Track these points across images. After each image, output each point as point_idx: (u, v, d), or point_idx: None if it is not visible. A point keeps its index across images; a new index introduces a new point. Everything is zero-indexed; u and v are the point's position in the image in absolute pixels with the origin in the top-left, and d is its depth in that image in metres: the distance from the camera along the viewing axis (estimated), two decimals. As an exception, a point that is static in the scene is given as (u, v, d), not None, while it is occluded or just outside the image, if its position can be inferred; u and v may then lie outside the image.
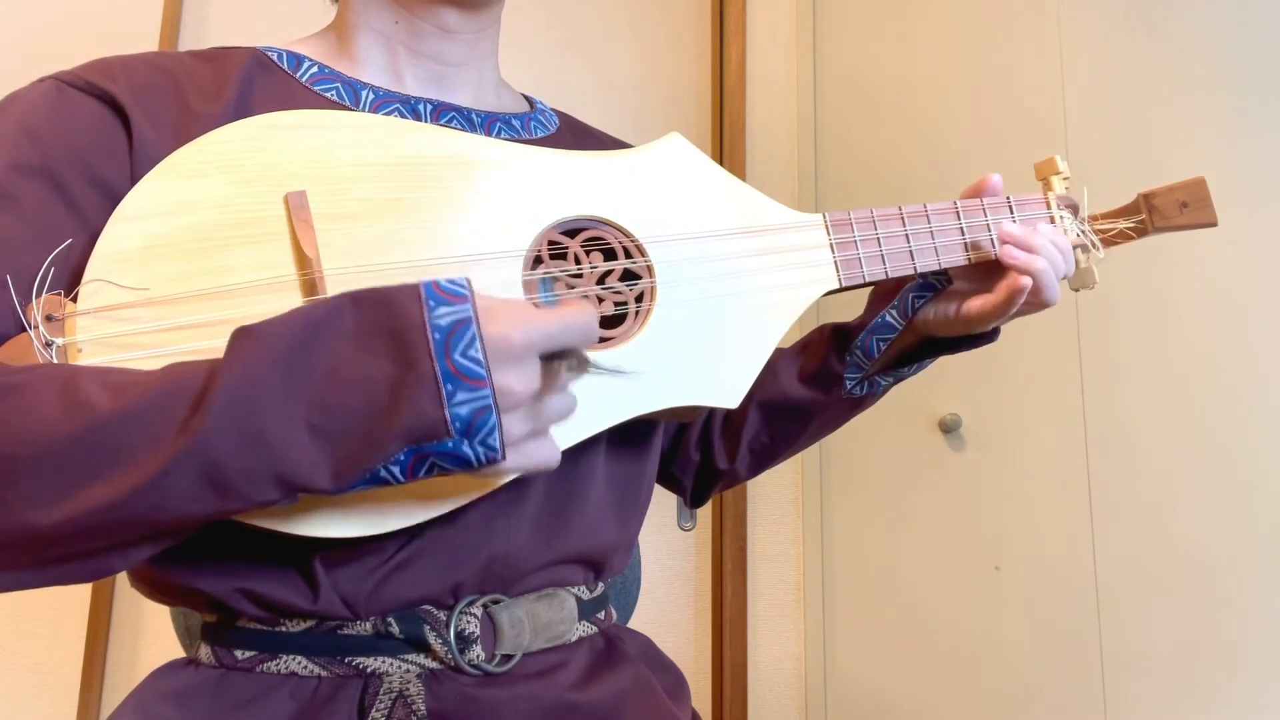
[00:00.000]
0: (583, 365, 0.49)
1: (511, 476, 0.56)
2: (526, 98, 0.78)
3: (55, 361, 0.48)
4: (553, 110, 0.78)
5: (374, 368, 0.45)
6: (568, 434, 0.57)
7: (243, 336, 0.45)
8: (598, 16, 1.99)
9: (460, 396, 0.45)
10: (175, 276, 0.51)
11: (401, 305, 0.46)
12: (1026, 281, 0.68)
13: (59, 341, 0.48)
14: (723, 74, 1.95)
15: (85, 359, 0.49)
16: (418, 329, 0.45)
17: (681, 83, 1.99)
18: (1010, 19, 1.86)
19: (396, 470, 0.46)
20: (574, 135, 0.77)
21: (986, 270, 0.72)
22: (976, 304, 0.70)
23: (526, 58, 1.93)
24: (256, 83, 0.63)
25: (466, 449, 0.46)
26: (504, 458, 0.47)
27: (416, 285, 0.47)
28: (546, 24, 1.96)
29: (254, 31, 1.88)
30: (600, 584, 0.69)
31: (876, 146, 1.92)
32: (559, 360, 0.49)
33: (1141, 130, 1.71)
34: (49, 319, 0.49)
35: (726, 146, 1.90)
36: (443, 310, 0.46)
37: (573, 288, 0.61)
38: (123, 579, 1.67)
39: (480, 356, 0.46)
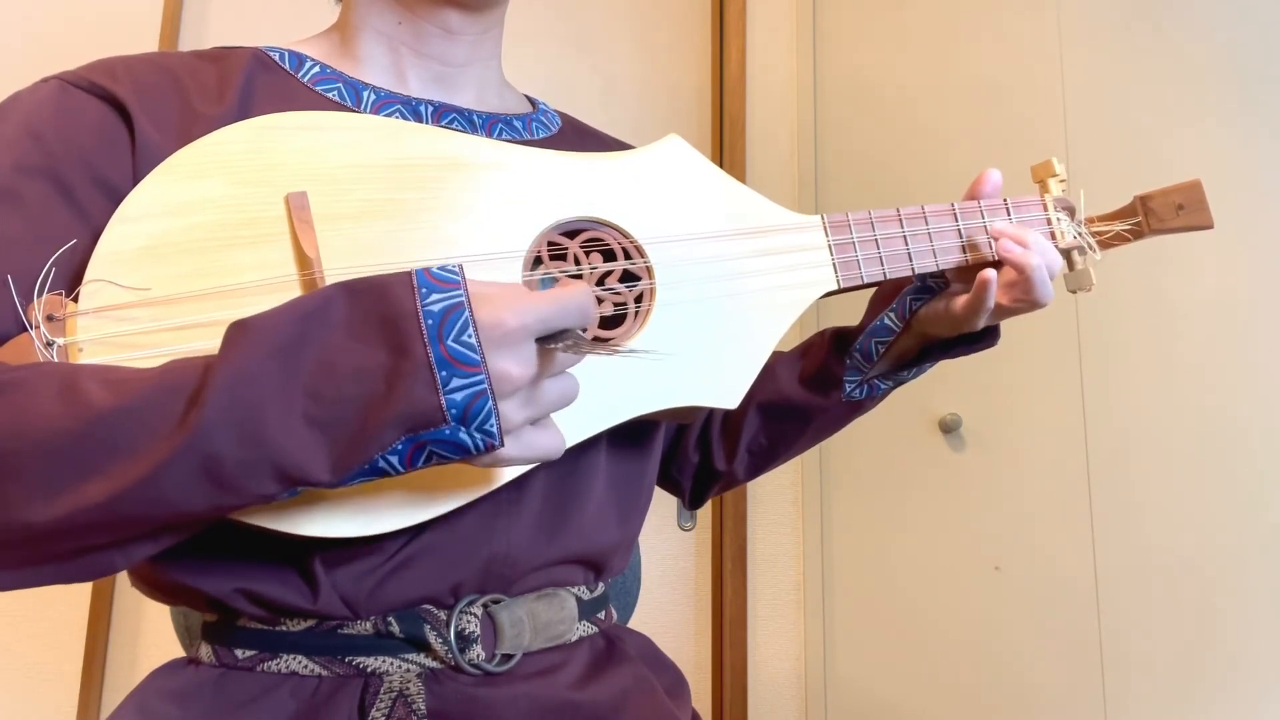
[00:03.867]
0: (580, 347, 0.49)
1: (516, 471, 0.56)
2: (529, 98, 0.78)
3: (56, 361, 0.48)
4: (555, 111, 0.78)
5: (368, 356, 0.45)
6: (568, 434, 0.57)
7: (238, 331, 0.45)
8: (599, 17, 1.99)
9: (455, 382, 0.45)
10: (176, 277, 0.51)
11: (394, 293, 0.46)
12: (990, 275, 0.67)
13: (60, 341, 0.49)
14: (723, 74, 1.96)
15: (86, 359, 0.49)
16: (410, 316, 0.45)
17: (681, 83, 1.99)
18: (1010, 19, 1.86)
19: (395, 460, 0.46)
20: (576, 136, 0.77)
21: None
22: (962, 300, 0.70)
23: (528, 58, 1.93)
24: (258, 82, 0.63)
25: (464, 436, 0.46)
26: (502, 444, 0.47)
27: (408, 273, 0.47)
28: (548, 25, 1.96)
29: (254, 32, 1.88)
30: (600, 584, 0.69)
31: (876, 147, 1.92)
32: (556, 343, 0.48)
33: (1141, 131, 1.72)
34: (50, 319, 0.49)
35: (726, 147, 1.90)
36: (435, 296, 0.46)
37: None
38: (123, 579, 1.67)
39: (474, 341, 0.45)
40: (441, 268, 0.47)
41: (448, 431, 0.45)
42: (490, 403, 0.46)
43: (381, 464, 0.46)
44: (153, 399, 0.44)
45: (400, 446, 0.46)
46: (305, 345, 0.45)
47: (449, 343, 0.45)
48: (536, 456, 0.51)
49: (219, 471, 0.44)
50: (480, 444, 0.46)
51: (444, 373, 0.45)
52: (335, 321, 0.45)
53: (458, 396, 0.45)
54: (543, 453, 0.51)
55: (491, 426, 0.46)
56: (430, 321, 0.45)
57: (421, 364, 0.45)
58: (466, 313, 0.46)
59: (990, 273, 0.68)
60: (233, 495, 0.45)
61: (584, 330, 0.52)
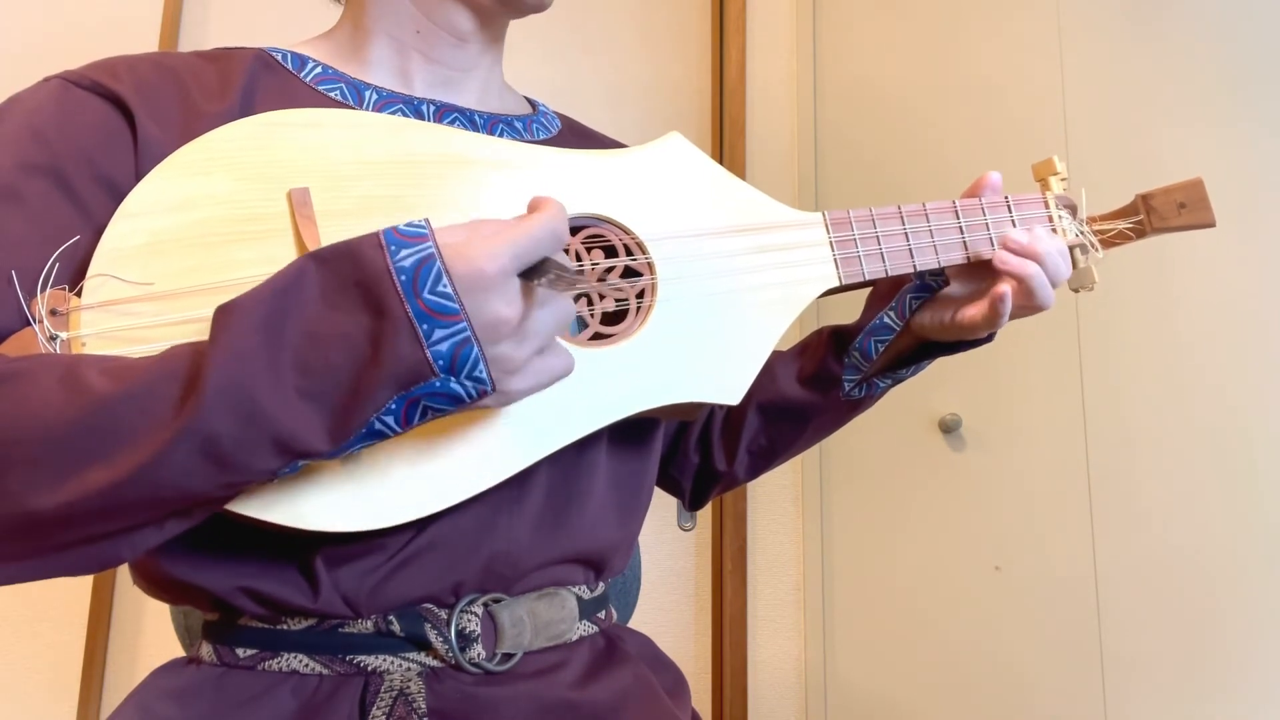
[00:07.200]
0: (565, 281, 0.49)
1: (519, 465, 0.56)
2: (529, 100, 0.78)
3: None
4: (554, 113, 0.78)
5: (348, 321, 0.45)
6: (570, 430, 0.57)
7: (223, 313, 0.46)
8: (600, 19, 1.99)
9: (438, 334, 0.45)
10: (179, 272, 0.51)
11: (364, 255, 0.46)
12: (1005, 290, 0.67)
13: (63, 335, 0.49)
14: (723, 74, 1.96)
15: (89, 353, 0.49)
16: (384, 275, 0.45)
17: (682, 83, 1.99)
18: (1010, 19, 1.86)
19: (391, 420, 0.47)
20: (576, 138, 0.77)
21: (982, 272, 0.71)
22: (969, 312, 0.70)
23: (530, 59, 1.93)
24: (260, 82, 0.63)
25: (455, 385, 0.47)
26: (494, 389, 0.48)
27: (376, 233, 0.47)
28: (550, 26, 1.96)
29: (254, 32, 1.88)
30: (601, 583, 0.69)
31: (876, 147, 1.92)
32: (539, 276, 0.49)
33: (1141, 130, 1.72)
34: (53, 313, 0.49)
35: (726, 147, 1.90)
36: (405, 252, 0.46)
37: (574, 285, 0.61)
38: (124, 578, 1.67)
39: (450, 291, 0.46)
40: (408, 224, 0.47)
41: (438, 384, 0.46)
42: (476, 349, 0.46)
43: (378, 426, 0.47)
44: (151, 385, 0.44)
45: (394, 406, 0.46)
46: (285, 319, 0.45)
47: (425, 295, 0.45)
48: (550, 382, 0.52)
49: (219, 451, 0.44)
50: (472, 391, 0.47)
51: (425, 326, 0.45)
52: (311, 293, 0.46)
53: (442, 347, 0.45)
54: (556, 375, 0.52)
55: (481, 373, 0.47)
56: (404, 278, 0.45)
57: (402, 321, 0.45)
58: (439, 263, 0.46)
59: (1005, 287, 0.67)
60: (235, 473, 0.45)
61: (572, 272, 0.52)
